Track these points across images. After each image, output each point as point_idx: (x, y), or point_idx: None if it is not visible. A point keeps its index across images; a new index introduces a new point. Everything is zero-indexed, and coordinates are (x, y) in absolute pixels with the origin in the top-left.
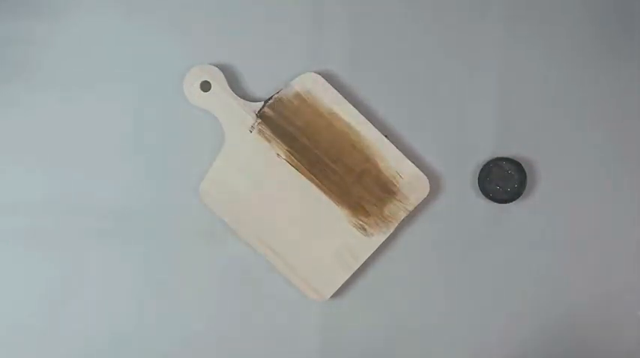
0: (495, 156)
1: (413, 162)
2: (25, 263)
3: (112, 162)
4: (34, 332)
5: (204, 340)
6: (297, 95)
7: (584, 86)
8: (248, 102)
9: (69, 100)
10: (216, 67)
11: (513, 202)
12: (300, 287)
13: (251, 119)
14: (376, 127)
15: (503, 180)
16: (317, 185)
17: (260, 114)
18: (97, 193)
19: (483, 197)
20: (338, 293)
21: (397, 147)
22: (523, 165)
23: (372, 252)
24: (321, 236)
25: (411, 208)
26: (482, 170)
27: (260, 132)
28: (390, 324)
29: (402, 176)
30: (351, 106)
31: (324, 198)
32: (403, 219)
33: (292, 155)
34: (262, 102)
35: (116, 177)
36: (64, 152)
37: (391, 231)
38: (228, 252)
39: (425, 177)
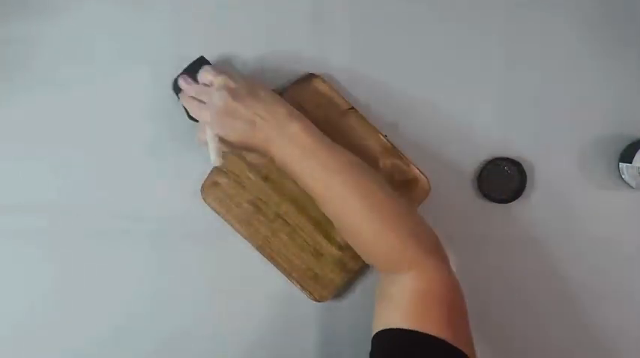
0: (495, 156)
1: (413, 163)
2: (25, 263)
3: (111, 162)
4: (35, 331)
5: (204, 339)
6: (298, 95)
7: (584, 86)
8: None
9: (68, 101)
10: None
11: (513, 202)
12: (300, 289)
13: None
14: (376, 127)
15: (503, 180)
16: None
17: None
18: (98, 194)
19: (483, 197)
20: (338, 295)
21: (397, 148)
22: (523, 165)
23: None
24: (321, 236)
25: None
26: (482, 170)
27: None
28: None
29: (402, 176)
30: (351, 106)
31: None
32: None
33: None
34: None
35: (116, 178)
36: (64, 152)
37: None
38: (229, 252)
39: (425, 177)
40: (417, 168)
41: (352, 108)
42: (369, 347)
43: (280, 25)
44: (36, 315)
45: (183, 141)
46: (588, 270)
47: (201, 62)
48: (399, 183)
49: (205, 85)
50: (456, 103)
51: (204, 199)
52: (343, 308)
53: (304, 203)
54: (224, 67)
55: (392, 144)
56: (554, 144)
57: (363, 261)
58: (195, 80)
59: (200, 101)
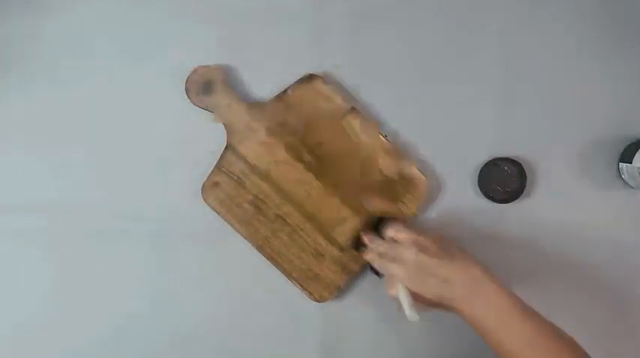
0: (495, 157)
1: (413, 163)
2: (25, 263)
3: (111, 162)
4: (35, 331)
5: (204, 339)
6: (298, 96)
7: (584, 86)
8: (249, 102)
9: (68, 99)
10: (218, 67)
11: (513, 202)
12: (301, 289)
13: (252, 120)
14: (376, 127)
15: (503, 180)
16: (318, 185)
17: (261, 115)
18: (98, 194)
19: (483, 197)
20: (338, 295)
21: (397, 148)
22: (523, 165)
23: None
24: (321, 237)
25: (411, 209)
26: (482, 170)
27: (260, 132)
28: (389, 325)
29: (402, 176)
30: (351, 107)
31: (325, 198)
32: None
33: (293, 156)
34: (263, 103)
35: (116, 178)
36: (63, 152)
37: None
38: (229, 252)
39: (425, 177)
40: (417, 168)
41: (352, 108)
42: (369, 347)
43: (280, 25)
44: (36, 315)
45: (184, 141)
46: (588, 270)
47: (380, 220)
48: (399, 183)
49: (393, 240)
50: (455, 103)
51: (204, 199)
52: (343, 308)
53: (305, 204)
54: (408, 225)
55: (392, 144)
56: (554, 144)
57: (363, 262)
58: (377, 236)
59: (389, 257)
